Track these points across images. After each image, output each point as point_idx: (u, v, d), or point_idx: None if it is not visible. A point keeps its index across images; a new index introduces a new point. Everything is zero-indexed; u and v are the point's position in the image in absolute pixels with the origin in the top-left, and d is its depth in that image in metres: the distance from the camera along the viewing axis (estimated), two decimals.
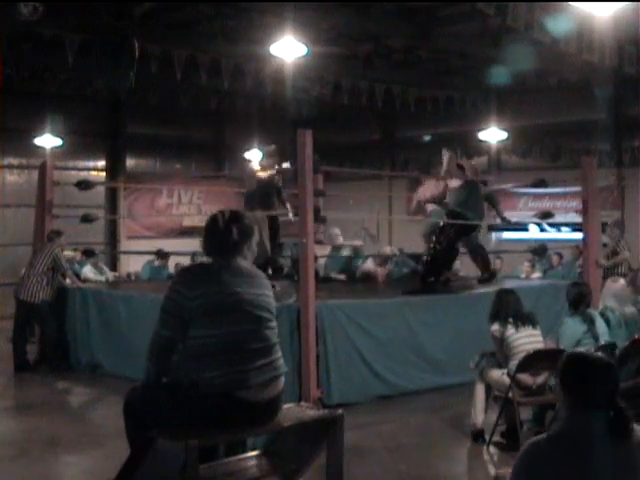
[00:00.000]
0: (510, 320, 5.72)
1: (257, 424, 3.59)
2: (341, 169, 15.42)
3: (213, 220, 3.65)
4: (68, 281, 9.24)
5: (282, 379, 3.64)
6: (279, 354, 3.65)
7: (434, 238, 8.58)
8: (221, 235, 3.58)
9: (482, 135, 15.51)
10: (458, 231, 8.54)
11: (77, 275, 10.62)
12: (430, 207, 10.00)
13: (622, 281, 7.09)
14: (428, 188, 9.96)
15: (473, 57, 13.34)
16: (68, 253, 10.32)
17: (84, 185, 10.11)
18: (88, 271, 11.73)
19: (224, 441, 3.75)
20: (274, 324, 3.66)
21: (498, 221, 10.47)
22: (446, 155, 9.07)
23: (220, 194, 17.53)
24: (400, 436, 6.04)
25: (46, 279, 8.78)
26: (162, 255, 12.65)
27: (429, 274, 8.57)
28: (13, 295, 9.04)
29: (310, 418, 3.87)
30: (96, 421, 6.83)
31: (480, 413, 5.75)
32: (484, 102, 15.27)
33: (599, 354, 2.68)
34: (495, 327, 5.75)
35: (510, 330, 5.68)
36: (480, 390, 5.79)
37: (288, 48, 10.33)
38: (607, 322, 6.08)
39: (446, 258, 8.73)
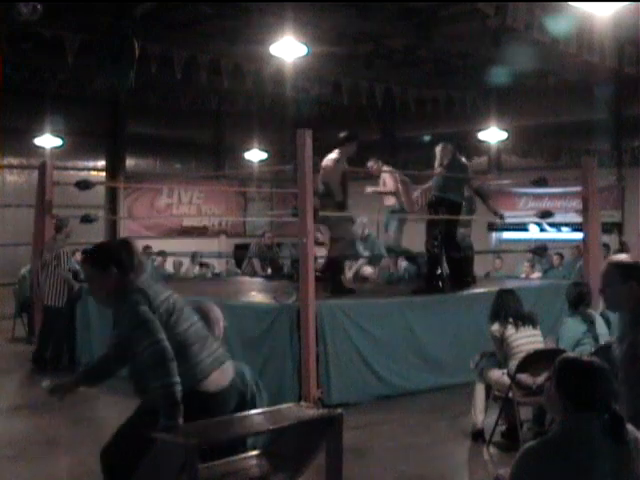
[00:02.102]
0: (510, 320, 5.72)
1: (218, 413, 3.63)
2: None
3: (116, 248, 3.87)
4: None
5: (229, 364, 3.72)
6: (216, 344, 3.78)
7: (429, 235, 8.42)
8: (130, 258, 3.78)
9: (482, 135, 15.50)
10: (446, 214, 8.40)
11: (76, 273, 10.61)
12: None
13: None
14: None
15: (473, 57, 13.34)
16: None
17: (84, 185, 10.10)
18: None
19: (224, 441, 3.75)
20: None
21: (496, 217, 10.30)
22: (439, 146, 8.80)
23: (220, 194, 17.57)
24: (400, 436, 6.04)
25: (62, 282, 8.82)
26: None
27: (434, 274, 8.47)
28: (40, 302, 9.05)
29: (310, 418, 3.87)
30: (96, 421, 6.81)
31: (480, 413, 5.75)
32: (484, 102, 15.26)
33: (594, 358, 2.68)
34: (495, 327, 5.76)
35: (510, 330, 5.68)
36: (480, 390, 5.79)
37: (288, 48, 10.32)
38: (607, 322, 6.07)
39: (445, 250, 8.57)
